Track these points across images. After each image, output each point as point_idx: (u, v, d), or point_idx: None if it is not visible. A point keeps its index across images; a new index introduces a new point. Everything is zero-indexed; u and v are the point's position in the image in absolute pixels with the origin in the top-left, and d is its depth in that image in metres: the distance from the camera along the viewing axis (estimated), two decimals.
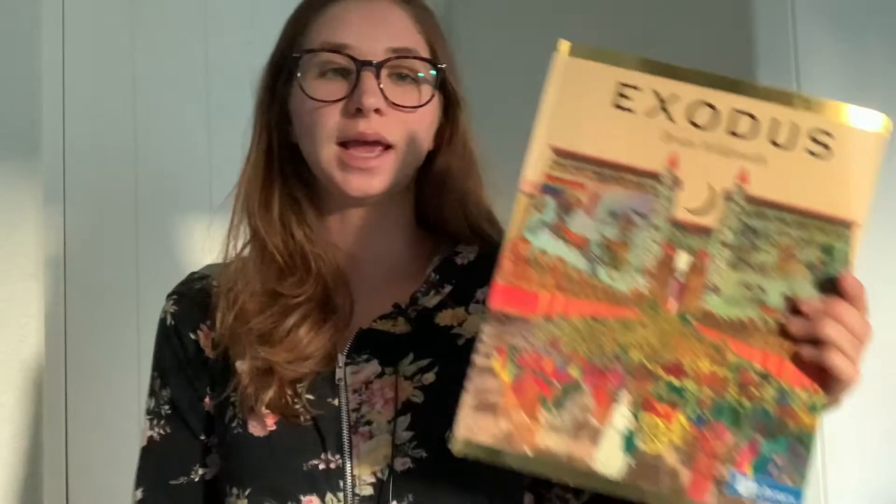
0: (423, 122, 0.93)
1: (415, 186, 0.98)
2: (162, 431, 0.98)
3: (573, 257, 0.79)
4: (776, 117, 0.78)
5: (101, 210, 1.61)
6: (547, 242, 0.79)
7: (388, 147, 0.90)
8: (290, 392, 0.88)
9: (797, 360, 0.77)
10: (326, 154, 0.90)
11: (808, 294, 0.77)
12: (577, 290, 0.79)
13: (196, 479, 0.97)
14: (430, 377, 0.90)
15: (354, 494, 0.87)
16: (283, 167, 0.96)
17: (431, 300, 0.94)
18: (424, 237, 1.00)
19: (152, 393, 1.00)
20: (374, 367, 0.90)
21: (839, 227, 0.77)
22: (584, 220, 0.79)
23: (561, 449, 0.78)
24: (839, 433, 1.45)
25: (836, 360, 0.75)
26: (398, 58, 0.91)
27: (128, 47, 1.63)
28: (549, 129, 0.79)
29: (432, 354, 0.91)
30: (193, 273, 1.03)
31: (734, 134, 0.78)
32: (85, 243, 1.57)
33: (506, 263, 0.79)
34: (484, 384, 0.78)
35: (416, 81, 0.93)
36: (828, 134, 0.78)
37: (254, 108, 0.98)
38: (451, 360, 0.86)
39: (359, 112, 0.88)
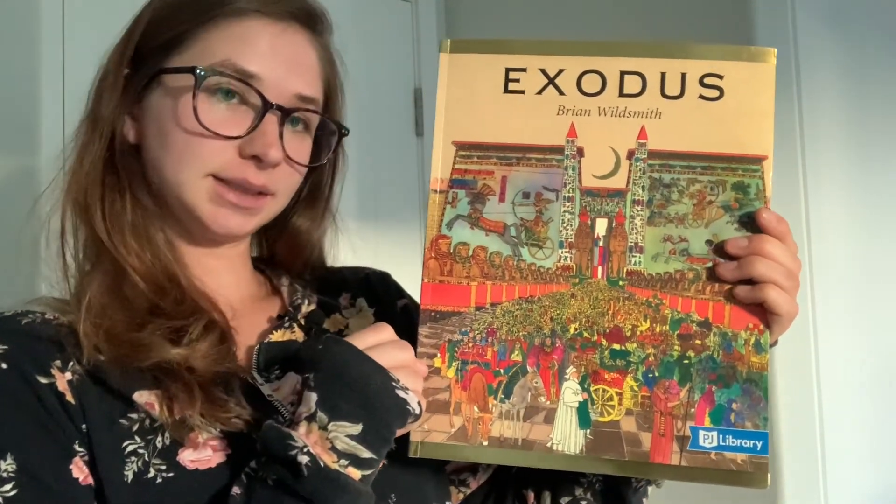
0: (302, 173, 0.82)
1: None
2: None
3: (494, 244, 0.77)
4: (663, 70, 0.76)
5: None
6: (466, 234, 0.77)
7: (267, 194, 0.78)
8: (219, 401, 0.71)
9: (734, 303, 0.74)
10: (195, 185, 0.75)
11: (730, 236, 0.75)
12: (504, 274, 0.77)
13: None
14: None
15: None
16: (128, 170, 0.78)
17: (309, 306, 0.84)
18: (253, 271, 0.88)
19: None
20: (292, 377, 0.76)
21: (747, 163, 0.75)
22: (498, 206, 0.77)
23: (516, 434, 0.75)
24: (839, 433, 1.41)
25: (771, 295, 0.71)
26: (304, 109, 0.78)
27: None
28: (447, 126, 0.78)
29: None
30: (6, 313, 0.74)
31: (626, 95, 0.77)
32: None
33: (430, 262, 0.77)
34: (430, 384, 0.76)
35: (308, 132, 0.81)
36: (717, 76, 0.76)
37: (94, 91, 0.79)
38: None
39: (254, 160, 0.75)
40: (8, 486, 0.65)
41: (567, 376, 0.74)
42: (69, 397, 0.69)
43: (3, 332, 0.71)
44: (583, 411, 0.73)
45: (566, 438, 0.73)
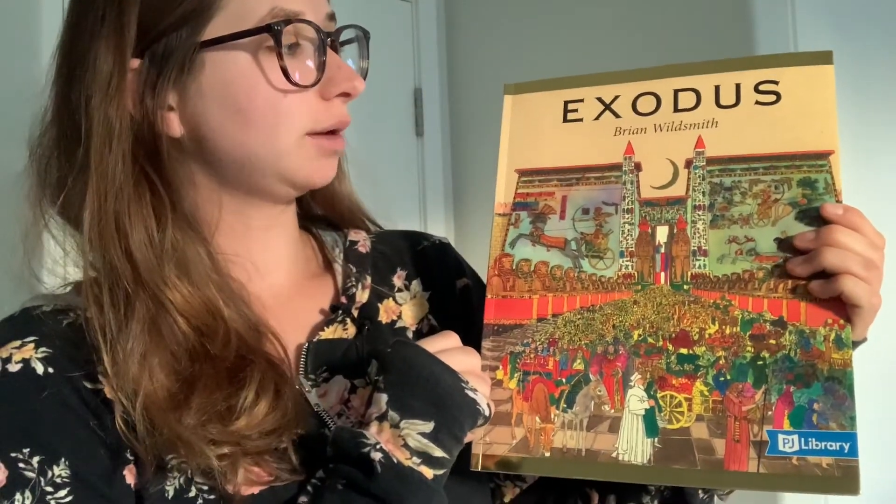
0: None
1: None
2: None
3: (555, 258, 0.76)
4: (717, 84, 0.76)
5: None
6: (527, 251, 0.77)
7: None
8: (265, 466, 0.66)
9: (809, 299, 0.68)
10: (297, 147, 0.70)
11: (799, 232, 0.70)
12: (565, 286, 0.75)
13: None
14: None
15: None
16: (171, 176, 0.70)
17: (363, 294, 0.79)
18: (302, 232, 0.82)
19: (14, 485, 0.61)
20: (340, 382, 0.73)
21: (812, 160, 0.71)
22: (559, 224, 0.77)
23: (580, 445, 0.70)
24: None
25: (847, 286, 0.64)
26: (342, 28, 0.73)
27: None
28: (510, 156, 0.81)
29: None
30: (35, 306, 0.69)
31: (681, 110, 0.77)
32: None
33: (493, 280, 0.77)
34: (492, 396, 0.73)
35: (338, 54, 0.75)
36: (772, 82, 0.74)
37: (86, 100, 0.67)
38: None
39: (343, 97, 0.71)
40: (63, 493, 0.63)
41: (632, 383, 0.70)
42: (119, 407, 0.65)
43: (45, 333, 0.66)
44: (650, 419, 0.68)
45: (633, 448, 0.68)
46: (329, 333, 0.76)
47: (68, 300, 0.70)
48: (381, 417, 0.64)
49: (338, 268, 0.81)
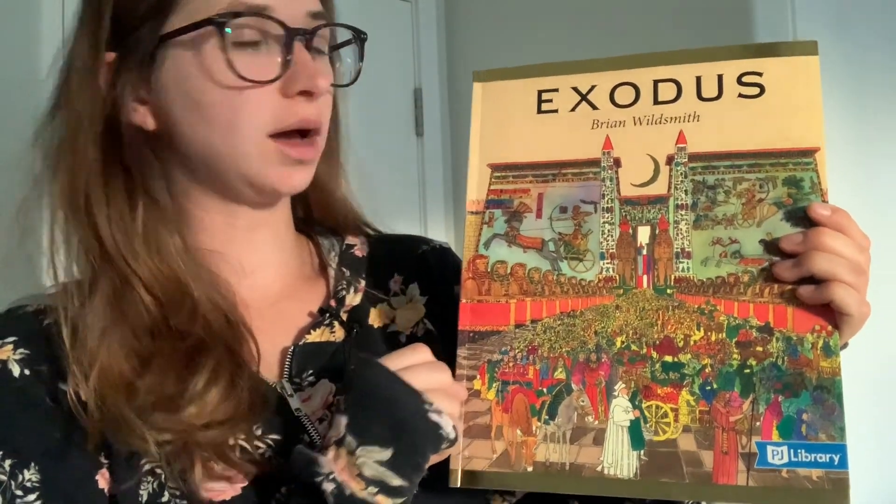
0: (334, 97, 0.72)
1: None
2: None
3: (532, 260, 0.72)
4: (698, 75, 0.72)
5: None
6: (503, 252, 0.72)
7: (316, 132, 0.69)
8: (240, 440, 0.64)
9: (797, 304, 0.65)
10: (257, 150, 0.66)
11: (786, 234, 0.67)
12: (544, 290, 0.71)
13: None
14: None
15: None
16: (141, 166, 0.69)
17: (354, 298, 0.76)
18: (297, 235, 0.79)
19: None
20: (325, 386, 0.70)
21: (798, 157, 0.68)
22: (535, 223, 0.72)
23: (563, 458, 0.67)
24: None
25: (838, 293, 0.61)
26: (321, 27, 0.68)
27: None
28: (482, 150, 0.75)
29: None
30: (19, 306, 0.69)
31: (661, 102, 0.72)
32: None
33: (467, 283, 0.72)
34: (470, 408, 0.70)
35: (322, 54, 0.71)
36: (756, 74, 0.70)
37: (62, 89, 0.69)
38: None
39: (304, 95, 0.66)
40: (32, 496, 0.62)
41: (616, 393, 0.66)
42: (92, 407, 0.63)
43: (24, 334, 0.66)
44: (635, 430, 0.65)
45: (618, 461, 0.65)
46: (316, 337, 0.73)
47: (52, 300, 0.68)
48: (339, 442, 0.61)
49: (331, 272, 0.78)
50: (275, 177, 0.68)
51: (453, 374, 0.68)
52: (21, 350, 0.66)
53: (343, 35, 0.73)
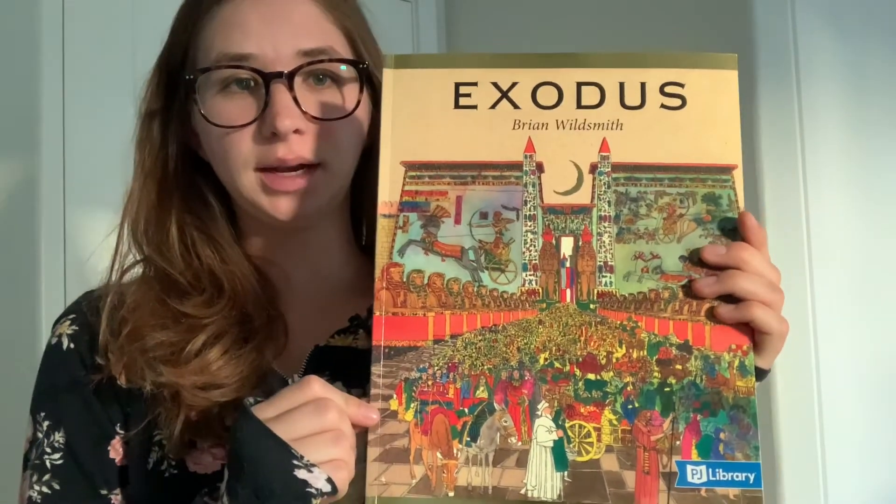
0: (351, 129, 0.74)
1: (350, 197, 0.80)
2: (47, 489, 0.71)
3: (451, 269, 0.67)
4: (622, 80, 0.69)
5: (101, 209, 1.43)
6: (419, 261, 0.67)
7: (315, 165, 0.72)
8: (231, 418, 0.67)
9: (714, 322, 0.66)
10: (247, 182, 0.72)
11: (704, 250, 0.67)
12: (464, 303, 0.67)
13: None
14: None
15: None
16: (184, 184, 0.77)
17: None
18: (359, 253, 0.82)
19: (34, 441, 0.73)
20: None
21: (716, 174, 0.68)
22: (454, 229, 0.68)
23: (486, 482, 0.64)
24: (839, 433, 1.35)
25: (758, 314, 0.62)
26: (311, 63, 0.71)
27: (128, 47, 1.49)
28: (394, 145, 0.69)
29: None
30: (91, 291, 0.78)
31: (584, 107, 0.70)
32: (84, 244, 1.42)
33: (381, 294, 0.66)
34: (386, 430, 0.65)
35: (338, 82, 0.74)
36: (678, 84, 0.69)
37: (140, 117, 0.78)
38: None
39: (275, 136, 0.70)
40: (56, 455, 0.72)
41: (539, 412, 0.64)
42: (122, 380, 0.71)
43: (80, 313, 0.76)
44: (559, 451, 0.63)
45: (542, 483, 0.62)
46: (339, 342, 0.75)
47: (111, 287, 0.75)
48: (220, 497, 0.61)
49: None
50: (267, 205, 0.73)
51: (367, 394, 0.63)
52: (73, 326, 0.75)
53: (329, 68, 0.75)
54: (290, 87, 0.70)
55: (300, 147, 0.71)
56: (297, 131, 0.70)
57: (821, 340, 1.34)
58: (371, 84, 0.75)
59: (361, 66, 0.74)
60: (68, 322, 0.76)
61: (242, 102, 0.72)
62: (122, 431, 0.73)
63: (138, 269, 0.77)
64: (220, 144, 0.73)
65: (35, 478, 0.72)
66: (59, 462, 0.72)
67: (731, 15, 1.43)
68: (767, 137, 1.39)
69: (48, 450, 0.72)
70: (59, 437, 0.72)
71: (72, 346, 0.74)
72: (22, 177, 1.31)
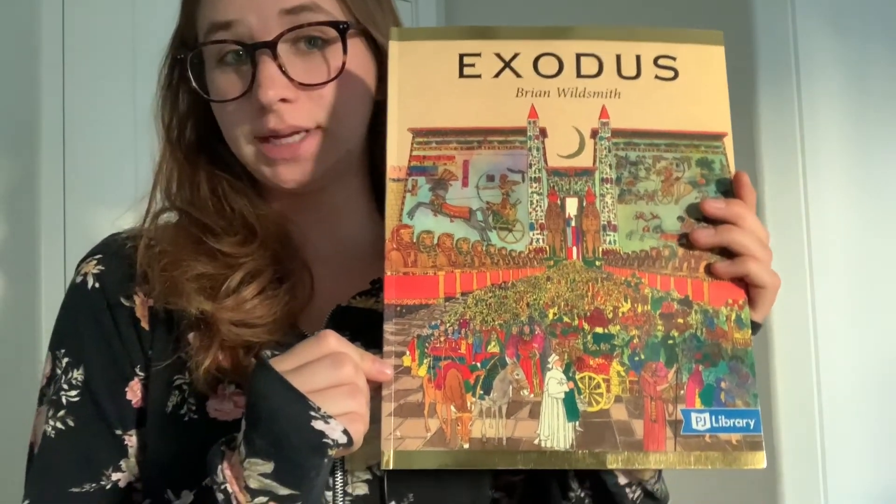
0: (348, 91, 0.72)
1: (367, 159, 0.79)
2: (61, 425, 0.70)
3: (460, 230, 0.68)
4: (618, 53, 0.72)
5: (101, 209, 1.44)
6: (429, 222, 0.67)
7: (314, 130, 0.71)
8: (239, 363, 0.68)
9: (711, 279, 0.68)
10: (248, 152, 0.72)
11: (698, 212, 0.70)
12: (473, 261, 0.68)
13: (108, 487, 0.70)
14: None
15: (346, 494, 0.68)
16: (208, 150, 0.77)
17: None
18: (381, 218, 0.78)
19: (52, 377, 0.72)
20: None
21: (709, 140, 0.70)
22: (462, 191, 0.69)
23: (500, 433, 0.64)
24: (839, 433, 1.34)
25: (752, 268, 0.64)
26: (295, 27, 0.69)
27: (128, 47, 1.48)
28: (401, 113, 0.69)
29: None
30: (118, 233, 0.77)
31: (583, 76, 0.72)
32: (85, 242, 1.38)
33: (392, 254, 0.66)
34: (400, 385, 0.65)
35: (327, 43, 0.71)
36: (670, 57, 0.72)
37: (160, 95, 0.78)
38: None
39: (264, 108, 0.69)
40: (73, 393, 0.71)
41: (550, 365, 0.64)
42: (144, 323, 0.72)
43: (107, 253, 0.74)
44: (570, 402, 0.64)
45: (554, 433, 0.63)
46: (360, 303, 0.75)
47: (140, 230, 0.75)
48: (237, 447, 0.61)
49: None
50: (269, 174, 0.72)
51: (381, 351, 0.63)
52: (99, 266, 0.74)
53: (312, 32, 0.72)
54: (275, 56, 0.69)
55: (292, 116, 0.70)
56: (285, 100, 0.69)
57: (821, 340, 1.33)
58: (374, 44, 0.74)
59: (341, 26, 0.71)
60: (94, 262, 0.74)
61: (235, 75, 0.71)
62: (141, 374, 0.72)
63: (168, 217, 0.77)
64: (220, 118, 0.74)
65: (51, 412, 0.71)
66: (76, 399, 0.71)
67: (731, 14, 1.44)
68: (767, 137, 1.38)
69: (65, 386, 0.71)
70: (77, 375, 0.71)
71: (97, 285, 0.73)
72: (22, 176, 1.30)
